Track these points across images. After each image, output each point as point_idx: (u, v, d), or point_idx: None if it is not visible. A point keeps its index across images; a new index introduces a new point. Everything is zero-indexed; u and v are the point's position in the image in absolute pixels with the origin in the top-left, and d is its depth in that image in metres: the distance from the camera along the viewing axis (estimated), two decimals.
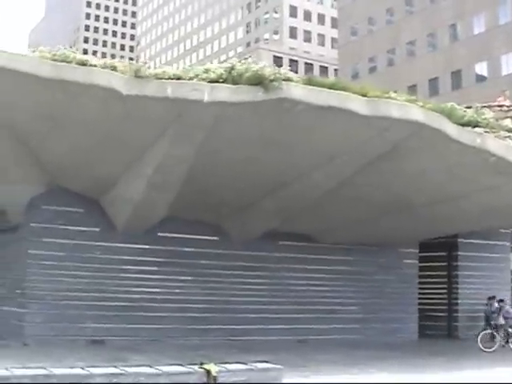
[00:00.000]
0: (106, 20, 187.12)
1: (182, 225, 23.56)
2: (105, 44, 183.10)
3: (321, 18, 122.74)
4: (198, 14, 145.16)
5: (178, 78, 17.80)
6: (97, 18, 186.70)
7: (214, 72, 18.08)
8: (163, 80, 17.65)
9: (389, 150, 19.68)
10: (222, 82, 17.91)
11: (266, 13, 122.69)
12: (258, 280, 25.11)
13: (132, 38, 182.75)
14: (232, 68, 18.20)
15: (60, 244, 21.88)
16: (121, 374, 11.47)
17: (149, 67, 17.95)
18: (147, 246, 23.23)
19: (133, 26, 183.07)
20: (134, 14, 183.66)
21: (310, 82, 18.63)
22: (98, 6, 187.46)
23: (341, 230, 25.47)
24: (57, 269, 21.69)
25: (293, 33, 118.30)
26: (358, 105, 18.43)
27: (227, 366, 13.31)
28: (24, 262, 21.65)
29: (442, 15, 66.36)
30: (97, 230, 22.50)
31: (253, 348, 22.43)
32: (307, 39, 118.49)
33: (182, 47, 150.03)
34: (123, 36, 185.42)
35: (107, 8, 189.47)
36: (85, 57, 18.06)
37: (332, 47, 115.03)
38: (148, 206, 21.41)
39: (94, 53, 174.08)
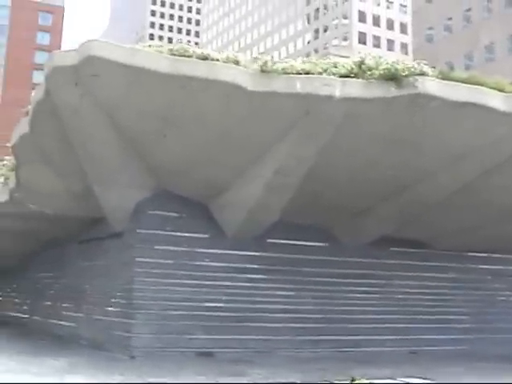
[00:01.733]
0: (171, 29, 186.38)
1: (291, 230, 22.27)
2: (170, 41, 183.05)
3: (390, 23, 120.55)
4: (264, 21, 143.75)
5: (307, 73, 16.61)
6: (161, 26, 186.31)
7: (343, 66, 16.82)
8: (291, 75, 16.43)
9: None
10: (352, 77, 16.65)
11: (335, 18, 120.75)
12: (369, 288, 23.71)
13: (196, 46, 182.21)
14: (362, 62, 16.92)
15: (168, 251, 20.71)
16: None
17: (274, 62, 16.64)
18: (256, 253, 21.96)
19: (197, 35, 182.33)
20: (198, 23, 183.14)
21: (444, 77, 17.27)
22: (162, 15, 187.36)
23: (455, 236, 23.93)
24: (165, 277, 20.52)
25: (362, 38, 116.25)
26: (496, 100, 17.19)
27: (378, 381, 12.66)
28: (131, 270, 20.48)
29: None
30: (205, 236, 21.30)
31: (369, 360, 21.17)
32: (376, 45, 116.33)
33: (248, 55, 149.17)
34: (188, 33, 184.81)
35: (172, 17, 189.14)
36: (205, 51, 16.91)
37: (401, 52, 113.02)
38: (262, 210, 20.16)
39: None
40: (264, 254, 22.01)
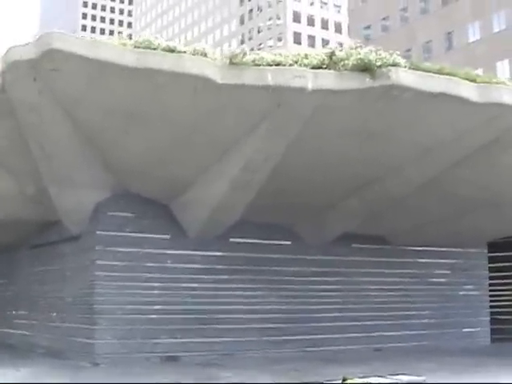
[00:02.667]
0: (103, 31, 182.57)
1: (253, 229, 21.74)
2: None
3: (324, 23, 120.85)
4: (198, 22, 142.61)
5: (277, 64, 16.01)
6: (93, 29, 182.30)
7: (315, 58, 16.32)
8: (262, 67, 15.84)
9: (491, 141, 18.04)
10: (324, 69, 16.17)
11: (269, 19, 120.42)
12: (332, 286, 23.34)
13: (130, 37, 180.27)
14: (333, 53, 16.45)
15: (129, 253, 19.94)
16: None
17: (244, 53, 16.04)
18: (219, 253, 21.35)
19: (130, 37, 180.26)
20: (130, 25, 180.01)
21: (415, 67, 16.91)
22: (93, 18, 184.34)
23: (416, 231, 23.68)
24: (127, 280, 19.77)
25: (296, 38, 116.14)
26: (469, 91, 16.88)
27: (369, 380, 12.35)
28: (91, 274, 19.68)
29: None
30: (167, 237, 20.59)
31: (336, 359, 20.85)
32: (311, 44, 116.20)
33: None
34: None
35: (103, 19, 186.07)
36: (171, 43, 16.22)
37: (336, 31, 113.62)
38: (226, 208, 19.58)
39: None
40: (227, 253, 21.43)
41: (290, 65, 16.06)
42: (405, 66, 16.47)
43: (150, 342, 19.87)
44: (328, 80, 15.93)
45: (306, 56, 16.44)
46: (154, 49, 15.71)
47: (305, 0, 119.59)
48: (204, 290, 20.83)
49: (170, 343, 20.16)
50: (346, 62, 16.18)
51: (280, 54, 16.57)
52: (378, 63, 16.09)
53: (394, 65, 16.25)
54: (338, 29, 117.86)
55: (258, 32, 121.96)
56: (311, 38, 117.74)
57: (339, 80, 15.98)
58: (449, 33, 65.00)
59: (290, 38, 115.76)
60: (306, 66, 16.12)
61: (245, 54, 15.97)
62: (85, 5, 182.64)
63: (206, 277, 20.95)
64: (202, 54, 15.92)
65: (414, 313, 25.02)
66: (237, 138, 17.16)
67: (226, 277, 21.24)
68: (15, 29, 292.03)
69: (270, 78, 15.66)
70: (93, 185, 19.20)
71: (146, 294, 19.94)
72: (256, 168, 17.94)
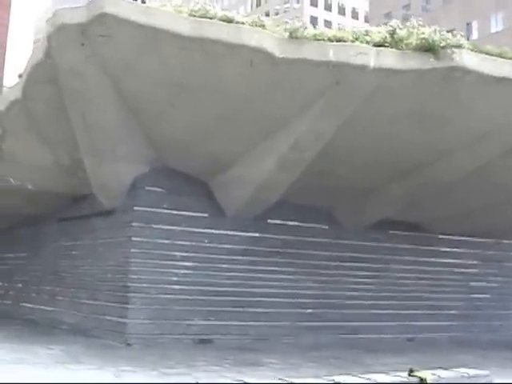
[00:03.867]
0: None
1: (291, 211, 21.08)
2: None
3: (341, 9, 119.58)
4: (212, 2, 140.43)
5: (338, 40, 15.27)
6: None
7: (376, 35, 15.61)
8: (323, 42, 15.11)
9: None
10: (386, 47, 15.46)
11: (286, 2, 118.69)
12: (368, 273, 22.70)
13: None
14: (394, 31, 15.70)
15: (166, 230, 19.27)
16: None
17: (305, 27, 15.32)
18: (257, 234, 20.68)
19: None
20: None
21: (477, 50, 16.19)
22: None
23: (456, 219, 23.01)
24: (162, 259, 19.10)
25: (313, 23, 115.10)
26: None
27: (437, 372, 11.72)
28: (126, 251, 18.97)
29: None
30: (205, 215, 19.90)
31: (373, 348, 20.21)
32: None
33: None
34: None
35: None
36: (228, 13, 15.51)
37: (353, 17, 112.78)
38: (270, 188, 18.93)
39: None
40: (265, 235, 20.77)
41: (351, 41, 15.34)
42: (467, 48, 15.78)
43: (184, 324, 19.21)
44: (390, 59, 15.23)
45: (367, 33, 15.72)
46: (210, 18, 15.01)
47: None
48: (240, 272, 20.18)
49: (204, 325, 19.53)
50: (411, 40, 15.45)
51: (340, 30, 15.84)
52: (442, 44, 15.40)
53: (458, 46, 15.56)
54: (355, 15, 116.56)
55: (276, 14, 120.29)
56: (327, 23, 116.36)
57: (401, 59, 15.28)
58: (468, 23, 64.15)
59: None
60: (367, 42, 15.42)
61: (305, 27, 15.25)
62: None
63: (242, 258, 20.29)
64: (260, 26, 15.24)
65: (445, 303, 24.38)
66: (289, 115, 16.48)
67: (262, 259, 20.59)
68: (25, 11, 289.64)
69: (332, 53, 14.97)
70: (132, 158, 18.51)
71: (181, 273, 19.29)
72: (306, 147, 17.28)
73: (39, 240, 25.63)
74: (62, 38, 15.14)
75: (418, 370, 11.74)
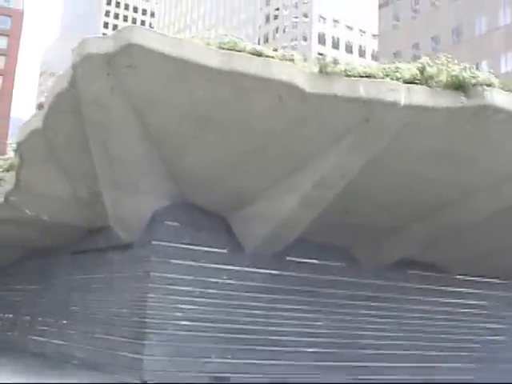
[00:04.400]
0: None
1: (310, 249, 20.70)
2: None
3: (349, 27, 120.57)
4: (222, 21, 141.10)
5: (368, 76, 15.06)
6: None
7: (407, 71, 15.41)
8: (353, 78, 14.91)
9: None
10: (417, 84, 15.25)
11: (295, 17, 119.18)
12: (386, 313, 22.22)
13: None
14: (423, 68, 15.52)
15: (184, 266, 18.88)
16: None
17: (336, 62, 15.11)
18: (276, 272, 20.28)
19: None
20: None
21: (508, 88, 16.00)
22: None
23: (475, 260, 22.63)
24: (180, 294, 18.70)
25: (321, 39, 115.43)
26: None
27: None
28: (144, 286, 18.59)
29: None
30: (224, 251, 19.54)
31: None
32: (335, 47, 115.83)
33: None
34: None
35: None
36: (257, 46, 15.34)
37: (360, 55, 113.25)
38: (291, 225, 18.64)
39: None
40: (283, 272, 20.37)
41: (382, 78, 15.13)
42: (497, 86, 15.61)
43: (200, 361, 18.76)
44: (421, 96, 15.08)
45: (397, 69, 15.50)
46: (239, 51, 14.83)
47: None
48: (258, 310, 19.76)
49: (220, 363, 19.05)
50: (440, 78, 15.25)
51: (369, 66, 15.66)
52: (473, 81, 15.22)
53: (489, 84, 15.38)
54: (362, 53, 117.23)
55: (283, 31, 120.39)
56: (335, 40, 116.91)
57: (432, 97, 15.14)
58: (478, 63, 64.50)
59: (315, 38, 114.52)
60: (397, 79, 15.22)
61: (336, 62, 15.04)
62: (108, 2, 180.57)
63: (261, 295, 19.88)
64: (289, 60, 15.05)
65: (466, 345, 23.86)
66: (315, 151, 16.25)
67: (281, 297, 20.18)
68: (38, 27, 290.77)
69: (363, 89, 14.78)
70: (153, 192, 18.23)
71: (199, 310, 18.87)
72: (331, 184, 17.02)
73: (50, 272, 25.29)
74: (87, 68, 14.94)
75: None
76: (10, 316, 29.19)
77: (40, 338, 25.13)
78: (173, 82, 14.79)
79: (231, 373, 19.06)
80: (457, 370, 23.43)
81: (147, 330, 18.23)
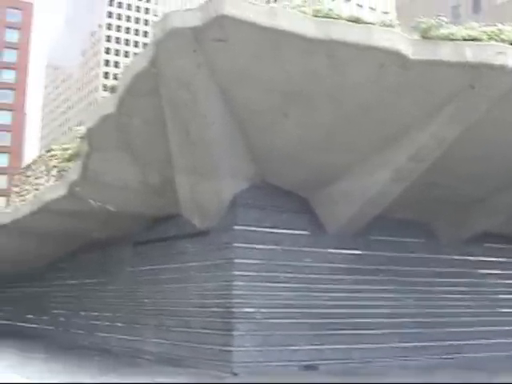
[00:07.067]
0: (128, 30, 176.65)
1: (390, 226, 19.85)
2: (127, 43, 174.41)
3: None
4: None
5: (472, 40, 14.11)
6: (118, 28, 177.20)
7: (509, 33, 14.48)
8: (457, 42, 13.97)
9: None
10: None
11: None
12: (467, 288, 21.41)
13: None
14: None
15: (268, 250, 18.04)
16: None
17: (440, 26, 14.17)
18: (358, 252, 19.47)
19: None
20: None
21: None
22: (119, 17, 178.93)
23: None
24: (265, 280, 17.87)
25: None
26: None
27: None
28: (228, 274, 17.72)
29: None
30: (306, 233, 18.69)
31: (484, 367, 19.04)
32: None
33: None
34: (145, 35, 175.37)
35: (128, 18, 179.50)
36: (353, 13, 14.39)
37: None
38: (378, 202, 17.77)
39: (117, 52, 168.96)
40: (366, 252, 19.56)
41: (486, 41, 14.21)
42: None
43: (289, 349, 17.96)
44: None
45: (500, 32, 14.56)
46: (335, 19, 13.91)
47: None
48: (343, 292, 18.96)
49: (308, 350, 18.25)
50: None
51: (472, 28, 14.70)
52: None
53: None
54: None
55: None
56: None
57: None
58: None
59: None
60: (503, 41, 14.29)
61: (440, 26, 14.10)
62: (110, 3, 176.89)
63: (345, 277, 19.10)
64: (389, 26, 14.11)
65: None
66: (412, 121, 15.34)
67: (365, 277, 19.39)
68: (40, 29, 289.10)
69: (469, 53, 13.84)
70: (233, 175, 17.33)
71: (285, 296, 18.05)
72: (425, 157, 16.14)
73: (110, 265, 24.39)
74: (171, 44, 14.00)
75: None
76: (66, 313, 28.32)
77: (105, 334, 24.26)
78: (264, 55, 13.90)
79: (319, 360, 18.26)
80: None
81: (235, 320, 17.42)
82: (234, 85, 14.75)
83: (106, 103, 16.99)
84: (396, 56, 13.72)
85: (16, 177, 31.26)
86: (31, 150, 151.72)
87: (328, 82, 14.39)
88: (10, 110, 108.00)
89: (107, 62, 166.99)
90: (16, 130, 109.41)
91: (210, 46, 13.83)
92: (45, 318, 31.06)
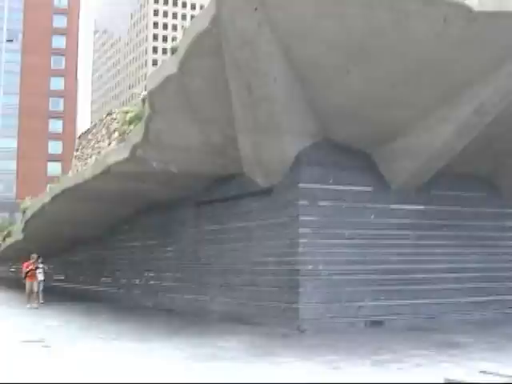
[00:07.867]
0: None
1: (452, 181, 19.69)
2: (175, 3, 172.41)
3: None
4: None
5: None
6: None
7: None
8: None
9: None
10: None
11: None
12: None
13: None
14: None
15: (332, 207, 18.13)
16: None
17: None
18: (421, 207, 19.40)
19: None
20: None
21: None
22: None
23: None
24: (330, 237, 17.95)
25: None
26: None
27: None
28: (293, 232, 17.84)
29: None
30: (369, 189, 18.69)
31: None
32: None
33: None
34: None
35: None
36: None
37: None
38: (442, 156, 17.66)
39: (165, 13, 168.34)
40: (430, 207, 19.50)
41: None
42: None
43: (355, 306, 18.10)
44: None
45: None
46: None
47: None
48: (407, 248, 18.98)
49: (374, 306, 18.36)
50: None
51: None
52: None
53: None
54: None
55: None
56: None
57: None
58: None
59: None
60: None
61: None
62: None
63: (408, 233, 19.10)
64: None
65: None
66: (476, 75, 15.10)
67: (429, 233, 19.37)
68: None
69: None
70: (296, 132, 17.33)
71: (349, 252, 18.13)
72: (488, 110, 15.96)
73: (171, 226, 24.63)
74: (233, 3, 13.95)
75: None
76: (129, 274, 28.73)
77: (170, 295, 24.61)
78: (326, 11, 13.75)
79: (384, 315, 18.34)
80: None
81: (301, 278, 17.59)
82: (295, 42, 14.67)
83: (167, 65, 17.00)
84: (460, 8, 13.47)
85: (77, 141, 31.59)
86: (83, 115, 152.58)
87: (390, 37, 14.19)
88: (62, 76, 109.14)
89: (155, 24, 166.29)
90: (68, 95, 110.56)
91: (272, 4, 13.76)
92: (108, 280, 31.57)
